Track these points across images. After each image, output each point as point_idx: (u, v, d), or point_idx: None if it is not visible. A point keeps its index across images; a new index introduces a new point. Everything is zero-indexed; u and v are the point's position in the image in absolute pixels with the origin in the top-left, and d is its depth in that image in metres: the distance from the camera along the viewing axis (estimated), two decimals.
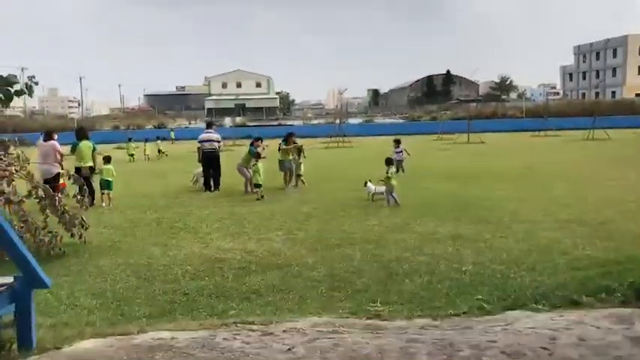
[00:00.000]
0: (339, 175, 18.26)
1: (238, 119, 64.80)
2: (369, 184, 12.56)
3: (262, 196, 13.33)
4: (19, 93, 8.15)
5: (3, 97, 8.06)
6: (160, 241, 9.16)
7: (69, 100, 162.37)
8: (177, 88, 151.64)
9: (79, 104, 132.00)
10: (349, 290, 6.34)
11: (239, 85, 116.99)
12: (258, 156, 14.21)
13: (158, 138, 30.20)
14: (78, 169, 12.60)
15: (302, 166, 15.80)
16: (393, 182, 12.01)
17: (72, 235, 8.65)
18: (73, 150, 12.64)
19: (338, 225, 10.01)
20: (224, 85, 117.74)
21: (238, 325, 5.09)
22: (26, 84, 8.18)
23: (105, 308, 5.92)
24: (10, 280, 4.54)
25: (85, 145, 12.68)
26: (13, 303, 4.46)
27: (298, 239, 8.97)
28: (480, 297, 5.92)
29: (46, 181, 11.74)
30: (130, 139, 28.01)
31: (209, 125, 16.30)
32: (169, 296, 6.31)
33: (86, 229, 8.65)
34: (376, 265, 7.37)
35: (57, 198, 8.01)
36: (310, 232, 9.46)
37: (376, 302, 5.85)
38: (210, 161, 15.05)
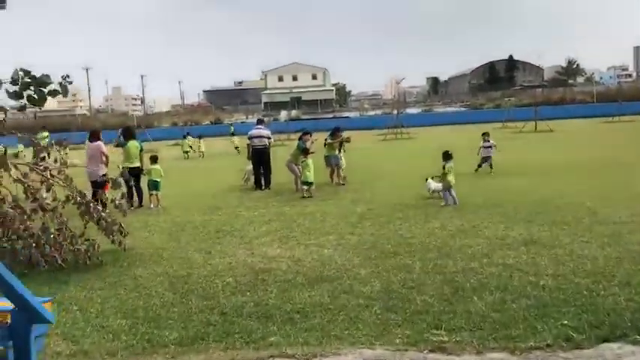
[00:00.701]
0: (396, 170, 17.29)
1: (293, 112, 64.36)
2: (429, 180, 11.57)
3: (311, 195, 12.61)
4: (52, 93, 7.77)
5: (36, 97, 7.69)
6: (204, 246, 8.57)
7: (132, 98, 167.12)
8: (235, 83, 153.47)
9: (141, 101, 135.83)
10: (407, 311, 5.48)
11: (295, 78, 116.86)
12: (306, 152, 13.48)
13: (191, 135, 29.46)
14: (128, 170, 12.27)
15: (343, 160, 15.02)
16: (451, 178, 11.01)
17: (112, 242, 8.21)
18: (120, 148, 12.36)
19: (395, 228, 9.13)
20: (280, 79, 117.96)
21: (276, 359, 4.35)
22: (60, 84, 7.77)
23: (133, 332, 5.31)
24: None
25: (133, 146, 12.33)
26: (10, 340, 3.86)
27: (351, 245, 8.17)
28: (566, 322, 4.94)
29: (93, 184, 11.47)
30: (184, 136, 27.93)
31: (259, 121, 15.74)
32: (205, 316, 5.65)
33: (125, 235, 8.15)
34: (439, 278, 6.46)
35: (92, 204, 7.52)
36: (364, 237, 8.64)
37: (440, 328, 4.98)
38: (260, 158, 14.45)
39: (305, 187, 12.88)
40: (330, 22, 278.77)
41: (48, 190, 7.86)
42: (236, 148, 27.16)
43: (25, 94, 7.51)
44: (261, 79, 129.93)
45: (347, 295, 6.05)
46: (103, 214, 7.70)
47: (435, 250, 7.70)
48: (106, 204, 8.54)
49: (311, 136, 14.79)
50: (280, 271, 7.06)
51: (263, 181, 14.40)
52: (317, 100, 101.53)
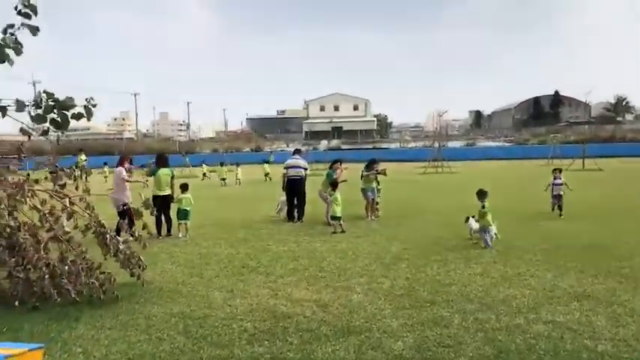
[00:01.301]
0: (435, 206, 16.53)
1: (333, 142, 64.17)
2: (470, 220, 10.80)
3: (343, 230, 12.03)
4: (77, 116, 7.45)
5: (59, 121, 7.40)
6: (227, 284, 8.06)
7: (178, 124, 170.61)
8: (277, 111, 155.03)
9: (187, 127, 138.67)
10: None
11: (337, 108, 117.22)
12: (335, 184, 12.90)
13: (222, 164, 29.65)
14: (154, 198, 11.96)
15: (378, 193, 14.52)
16: (489, 219, 10.28)
17: (132, 275, 7.80)
18: (151, 175, 12.03)
19: (432, 273, 8.43)
20: (322, 109, 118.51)
21: None
22: (85, 107, 7.47)
23: None
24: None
25: (163, 173, 12.03)
26: None
27: (383, 290, 7.51)
28: None
29: (119, 212, 11.21)
30: (222, 163, 27.83)
31: (296, 151, 15.31)
32: None
33: (143, 269, 7.72)
34: (479, 336, 5.75)
35: (109, 234, 7.12)
36: (398, 282, 7.96)
37: None
38: (294, 189, 13.97)
39: (333, 222, 12.30)
40: (373, 53, 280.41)
41: (68, 219, 7.53)
42: (266, 174, 27.03)
43: (48, 117, 7.22)
44: (303, 108, 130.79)
45: (375, 351, 5.40)
46: (121, 245, 7.28)
47: (476, 300, 6.98)
48: (132, 234, 8.17)
49: (341, 164, 14.35)
50: (304, 317, 6.46)
51: (296, 213, 13.89)
52: (358, 130, 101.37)
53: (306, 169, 14.21)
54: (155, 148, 52.33)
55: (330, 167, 14.28)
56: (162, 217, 12.08)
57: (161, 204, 11.96)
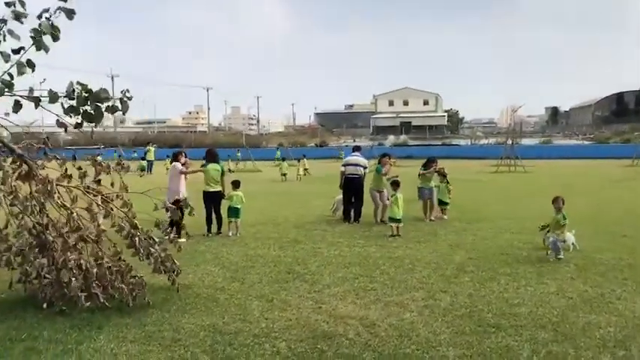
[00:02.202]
0: (506, 209, 15.25)
1: (401, 138, 62.72)
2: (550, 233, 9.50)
3: (399, 234, 11.13)
4: (111, 109, 6.97)
5: (93, 114, 6.94)
6: (268, 292, 7.37)
7: (249, 118, 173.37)
8: (345, 106, 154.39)
9: (257, 121, 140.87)
10: None
11: (406, 103, 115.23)
12: (396, 184, 12.01)
13: (284, 159, 28.94)
14: (204, 194, 11.49)
15: (449, 194, 13.53)
16: (563, 230, 9.13)
17: (168, 279, 7.27)
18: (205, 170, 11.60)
19: (499, 289, 7.41)
20: (391, 103, 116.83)
21: None
22: (120, 99, 6.96)
23: None
24: None
25: (213, 169, 11.49)
26: None
27: (441, 309, 6.59)
28: None
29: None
30: (283, 159, 27.38)
31: (356, 148, 14.43)
32: None
33: (177, 273, 7.16)
34: None
35: (138, 236, 6.57)
36: (459, 299, 7.01)
37: None
38: (352, 188, 13.14)
39: (392, 225, 11.41)
40: (446, 47, 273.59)
41: (105, 217, 7.07)
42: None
43: (82, 109, 6.76)
44: (371, 103, 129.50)
45: None
46: (152, 249, 6.73)
47: (550, 327, 5.94)
48: (167, 234, 7.61)
49: (390, 158, 13.46)
50: (346, 339, 5.66)
51: (353, 214, 13.07)
52: (427, 125, 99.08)
53: (365, 167, 13.34)
54: (222, 142, 52.94)
55: (379, 162, 13.35)
56: (213, 215, 11.58)
57: (211, 200, 11.47)
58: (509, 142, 36.34)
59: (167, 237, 7.09)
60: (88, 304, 6.47)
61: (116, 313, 6.49)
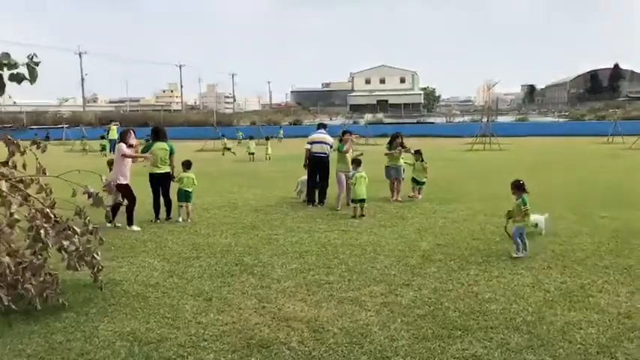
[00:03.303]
0: (480, 189, 14.48)
1: (375, 116, 61.85)
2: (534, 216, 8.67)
3: (362, 214, 10.42)
4: (16, 78, 5.91)
5: None
6: (208, 289, 6.47)
7: (225, 96, 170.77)
8: (322, 84, 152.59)
9: (233, 99, 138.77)
10: None
11: (382, 81, 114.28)
12: (358, 162, 11.29)
13: (224, 136, 28.60)
14: (151, 176, 10.47)
15: (425, 173, 12.75)
16: (527, 219, 7.93)
17: (91, 276, 6.32)
18: (144, 151, 10.46)
19: (468, 281, 6.61)
20: (367, 81, 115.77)
21: None
22: (27, 65, 5.92)
23: None
24: None
25: (160, 148, 10.41)
26: None
27: (401, 307, 5.76)
28: None
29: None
30: (251, 137, 26.27)
31: (321, 126, 13.36)
32: None
33: (99, 269, 6.20)
34: None
35: (44, 228, 5.56)
36: (423, 293, 6.19)
37: None
38: (317, 168, 12.20)
39: (355, 205, 10.64)
40: (422, 24, 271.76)
41: (22, 204, 6.07)
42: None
43: None
44: (348, 81, 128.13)
45: None
46: (67, 241, 5.74)
47: (525, 328, 5.15)
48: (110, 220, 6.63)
49: (351, 134, 12.54)
50: (287, 348, 4.79)
51: (317, 196, 12.18)
52: (405, 103, 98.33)
53: (331, 145, 12.38)
54: (193, 120, 51.45)
55: (340, 140, 12.41)
56: (162, 199, 10.59)
57: (158, 183, 10.46)
58: (485, 119, 35.66)
59: (87, 227, 6.07)
60: None
61: (23, 318, 5.53)
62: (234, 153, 27.40)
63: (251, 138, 26.11)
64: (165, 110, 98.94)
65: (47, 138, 37.39)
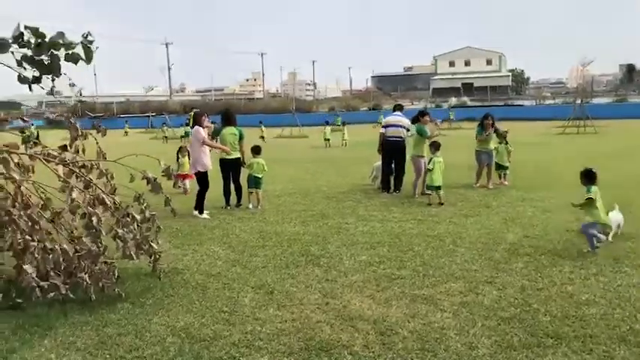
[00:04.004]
0: (574, 175, 13.15)
1: (459, 100, 59.68)
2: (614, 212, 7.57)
3: (442, 203, 9.82)
4: (72, 58, 5.71)
5: (50, 63, 5.70)
6: (270, 280, 6.05)
7: (306, 84, 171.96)
8: (404, 68, 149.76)
9: (314, 86, 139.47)
10: None
11: (467, 64, 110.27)
12: (437, 145, 10.50)
13: (327, 123, 27.02)
14: (221, 162, 10.22)
15: (509, 156, 11.81)
16: (597, 212, 6.78)
17: (149, 265, 6.10)
18: (214, 137, 10.19)
19: (561, 279, 5.77)
20: (451, 64, 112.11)
21: None
22: (82, 44, 5.69)
23: None
24: None
25: (229, 133, 10.12)
26: None
27: (482, 308, 5.06)
28: None
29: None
30: (327, 122, 25.79)
31: (397, 107, 12.52)
32: None
33: (156, 258, 5.93)
34: None
35: (96, 214, 5.31)
36: (508, 293, 5.45)
37: None
38: (392, 153, 11.54)
39: (431, 193, 9.96)
40: (509, 3, 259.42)
41: (85, 188, 5.90)
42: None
43: (36, 59, 5.53)
44: (431, 64, 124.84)
45: None
46: (123, 229, 5.49)
47: (632, 339, 4.32)
48: (172, 209, 6.38)
49: (429, 117, 11.63)
50: (349, 352, 4.26)
51: (393, 182, 11.52)
52: (492, 86, 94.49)
53: (408, 129, 11.64)
54: (272, 107, 51.76)
55: (417, 121, 11.52)
56: (232, 185, 10.33)
57: (228, 169, 10.20)
58: (578, 101, 33.33)
59: (144, 214, 5.80)
60: (51, 294, 5.33)
61: (78, 308, 5.34)
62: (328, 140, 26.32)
63: (327, 123, 25.63)
64: (248, 99, 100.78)
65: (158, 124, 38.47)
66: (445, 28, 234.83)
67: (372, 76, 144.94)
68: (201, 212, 9.57)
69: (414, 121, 11.49)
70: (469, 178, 12.02)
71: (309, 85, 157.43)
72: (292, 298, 5.48)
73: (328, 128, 24.98)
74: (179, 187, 12.40)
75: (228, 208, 10.23)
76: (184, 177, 12.21)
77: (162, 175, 6.18)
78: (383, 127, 12.07)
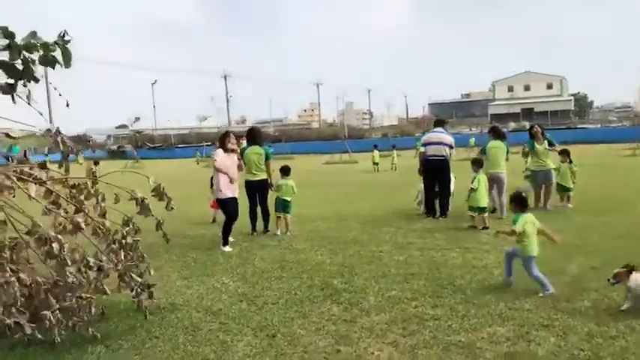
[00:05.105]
0: None
1: (518, 124, 57.37)
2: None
3: (486, 227, 8.78)
4: (48, 61, 5.01)
5: (23, 69, 5.02)
6: (277, 320, 5.06)
7: (362, 112, 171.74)
8: (461, 95, 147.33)
9: (370, 115, 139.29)
10: None
11: (527, 88, 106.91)
12: (479, 163, 9.62)
13: (375, 147, 25.77)
14: (247, 184, 9.37)
15: (573, 177, 10.58)
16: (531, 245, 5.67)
17: (133, 299, 5.22)
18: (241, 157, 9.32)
19: (636, 339, 4.51)
20: (510, 89, 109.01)
21: None
22: (58, 44, 4.98)
23: None
24: None
25: (253, 152, 9.26)
26: None
27: None
28: None
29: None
30: (375, 146, 24.73)
31: (439, 123, 11.27)
32: None
33: (138, 292, 5.05)
34: None
35: (58, 241, 4.46)
36: (570, 341, 4.25)
37: None
38: (434, 173, 10.41)
39: (472, 214, 8.87)
40: (569, 27, 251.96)
41: (76, 212, 5.15)
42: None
43: (11, 64, 4.85)
44: (489, 90, 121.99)
45: None
46: (92, 259, 4.66)
47: None
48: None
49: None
50: None
51: (438, 205, 10.36)
52: (552, 111, 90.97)
53: (452, 147, 10.49)
54: (325, 134, 51.25)
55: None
56: (259, 209, 9.45)
57: (254, 191, 9.33)
58: None
59: (124, 240, 4.96)
60: (16, 335, 4.53)
61: (42, 352, 4.50)
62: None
63: (375, 147, 24.58)
64: (306, 129, 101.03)
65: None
66: (503, 52, 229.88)
67: (429, 104, 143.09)
68: (224, 244, 8.58)
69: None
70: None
71: (365, 113, 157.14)
72: (296, 344, 4.46)
73: (377, 152, 23.95)
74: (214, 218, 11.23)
75: (254, 234, 9.35)
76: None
77: (153, 195, 5.34)
78: (422, 145, 10.95)
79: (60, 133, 5.60)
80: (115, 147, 63.85)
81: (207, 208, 10.96)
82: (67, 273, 4.44)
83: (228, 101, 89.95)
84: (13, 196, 5.18)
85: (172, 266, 7.42)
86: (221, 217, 8.88)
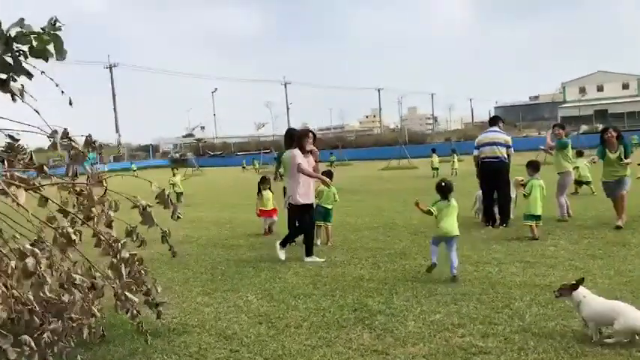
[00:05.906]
0: None
1: (590, 126, 54.29)
2: None
3: (535, 238, 7.91)
4: (39, 52, 4.50)
5: (12, 62, 4.53)
6: (296, 349, 4.31)
7: (426, 117, 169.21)
8: (530, 97, 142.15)
9: (434, 120, 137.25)
10: None
11: (600, 89, 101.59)
12: (535, 166, 8.54)
13: (434, 151, 24.37)
14: (285, 190, 8.68)
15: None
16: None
17: (130, 319, 4.61)
18: (278, 163, 8.66)
19: None
20: (581, 90, 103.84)
21: None
22: (48, 32, 4.47)
23: None
24: None
25: (289, 156, 8.55)
26: None
27: None
28: None
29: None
30: (433, 150, 23.56)
31: (494, 120, 10.25)
32: None
33: (134, 314, 4.41)
34: None
35: (34, 256, 3.90)
36: None
37: None
38: (491, 177, 9.42)
39: (527, 223, 7.95)
40: None
41: (87, 219, 4.63)
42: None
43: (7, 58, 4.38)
44: (559, 92, 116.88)
45: None
46: (78, 276, 4.07)
47: None
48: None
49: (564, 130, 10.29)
50: None
51: (498, 213, 9.32)
52: (629, 112, 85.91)
53: (509, 146, 9.43)
54: (383, 140, 50.25)
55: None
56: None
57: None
58: None
59: (119, 255, 4.35)
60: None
61: None
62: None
63: (433, 151, 23.41)
64: (368, 135, 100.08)
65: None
66: (573, 52, 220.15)
67: (495, 107, 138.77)
68: (283, 246, 7.87)
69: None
70: (595, 209, 9.48)
71: (429, 118, 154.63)
72: None
73: (436, 157, 22.80)
74: (265, 229, 10.54)
75: (294, 243, 8.64)
76: (268, 214, 10.41)
77: (157, 202, 4.72)
78: (475, 147, 9.92)
79: (68, 135, 5.11)
80: (177, 155, 65.38)
81: (255, 217, 10.42)
82: (43, 293, 3.84)
83: (288, 109, 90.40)
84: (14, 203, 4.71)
85: (199, 279, 6.84)
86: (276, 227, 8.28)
